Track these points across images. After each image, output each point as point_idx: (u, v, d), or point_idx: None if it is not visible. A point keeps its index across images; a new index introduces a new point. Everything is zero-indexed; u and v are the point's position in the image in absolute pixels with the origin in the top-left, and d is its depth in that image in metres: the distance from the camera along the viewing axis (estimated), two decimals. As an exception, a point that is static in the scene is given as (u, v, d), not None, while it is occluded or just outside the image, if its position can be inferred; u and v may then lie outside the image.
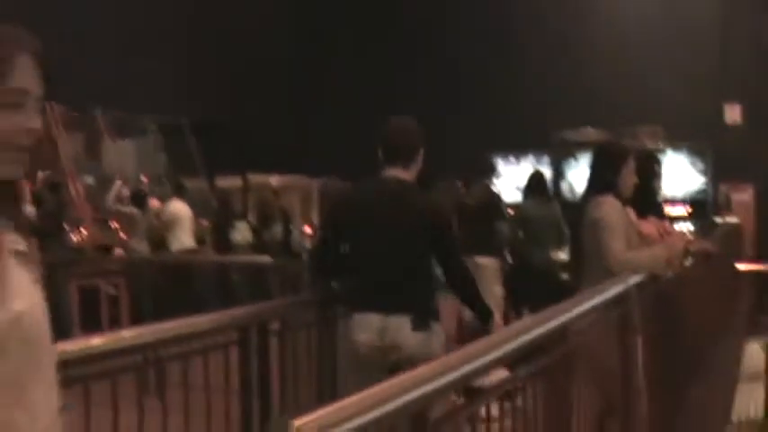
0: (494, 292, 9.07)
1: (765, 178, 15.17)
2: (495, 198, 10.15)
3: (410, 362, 4.24)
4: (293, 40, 20.37)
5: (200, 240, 14.49)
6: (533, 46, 18.21)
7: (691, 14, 17.59)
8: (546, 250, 10.13)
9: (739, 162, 14.76)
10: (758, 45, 16.95)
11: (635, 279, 4.94)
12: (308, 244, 16.97)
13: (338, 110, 19.36)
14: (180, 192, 14.24)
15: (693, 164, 11.52)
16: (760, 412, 8.37)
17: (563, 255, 10.43)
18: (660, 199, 7.22)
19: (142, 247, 13.76)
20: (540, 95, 17.23)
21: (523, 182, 11.10)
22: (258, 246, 13.53)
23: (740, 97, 17.28)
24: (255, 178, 17.74)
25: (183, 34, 19.01)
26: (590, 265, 5.67)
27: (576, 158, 11.98)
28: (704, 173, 11.45)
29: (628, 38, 17.80)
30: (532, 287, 9.77)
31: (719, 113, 17.27)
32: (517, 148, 13.41)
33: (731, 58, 17.07)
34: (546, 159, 12.09)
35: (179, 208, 13.97)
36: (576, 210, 5.96)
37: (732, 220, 12.59)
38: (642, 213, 6.21)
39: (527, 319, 5.35)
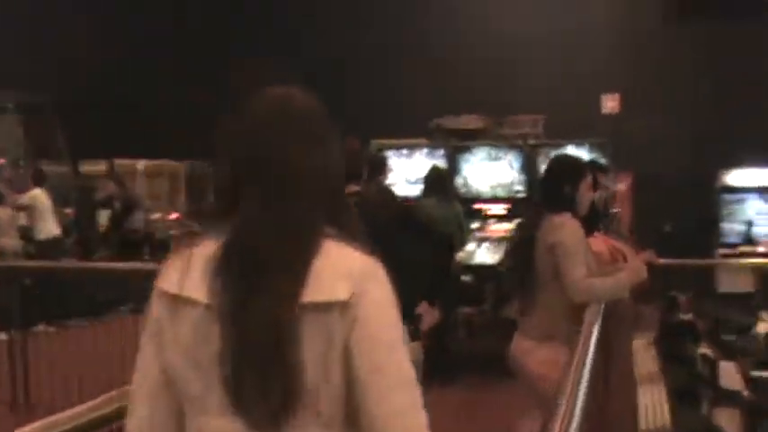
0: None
1: (643, 167, 14.85)
2: (392, 197, 9.48)
3: None
4: (169, 20, 19.19)
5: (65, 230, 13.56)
6: (413, 35, 17.65)
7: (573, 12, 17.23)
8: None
9: (618, 152, 14.09)
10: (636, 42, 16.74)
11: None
12: (174, 231, 16.22)
13: (207, 93, 18.34)
14: (38, 178, 13.19)
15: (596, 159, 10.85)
16: (667, 418, 7.83)
17: (464, 255, 9.89)
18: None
19: (13, 243, 12.71)
20: (420, 85, 16.92)
21: (416, 177, 10.63)
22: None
23: (618, 88, 17.00)
24: (122, 163, 16.64)
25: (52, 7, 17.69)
26: (543, 287, 5.22)
27: (471, 152, 11.26)
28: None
29: (508, 32, 17.38)
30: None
31: (598, 104, 16.93)
32: (395, 137, 12.64)
33: (609, 50, 16.85)
34: (440, 153, 11.27)
35: (36, 196, 13.04)
36: (525, 226, 5.47)
37: (614, 210, 12.18)
38: (589, 229, 5.61)
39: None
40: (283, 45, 18.44)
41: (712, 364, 7.79)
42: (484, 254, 10.56)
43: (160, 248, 14.75)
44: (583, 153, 11.07)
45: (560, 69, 16.82)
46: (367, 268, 2.14)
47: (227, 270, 2.09)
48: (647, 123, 15.38)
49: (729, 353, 8.05)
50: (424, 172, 10.74)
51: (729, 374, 7.43)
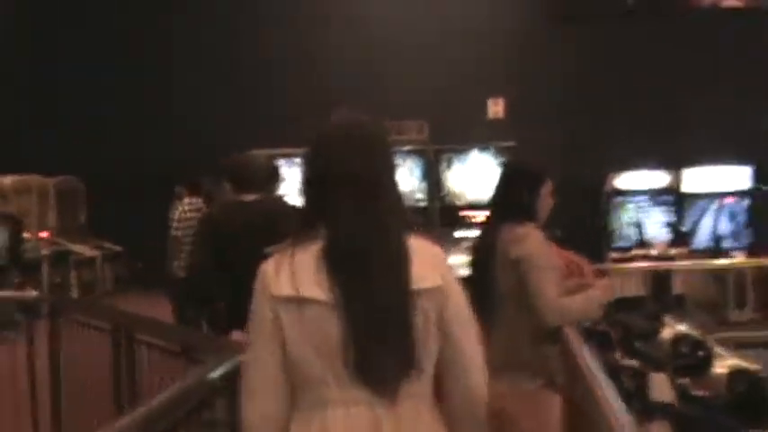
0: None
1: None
2: (289, 210, 8.78)
3: None
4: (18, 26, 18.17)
5: None
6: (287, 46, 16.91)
7: (453, 13, 16.72)
8: None
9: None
10: (520, 41, 16.38)
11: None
12: (45, 251, 15.13)
13: (75, 103, 17.30)
14: None
15: (501, 163, 10.29)
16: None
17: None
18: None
19: None
20: (295, 90, 16.17)
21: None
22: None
23: (503, 92, 16.49)
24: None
25: None
26: (504, 307, 4.59)
27: None
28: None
29: (386, 35, 16.78)
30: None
31: (484, 108, 16.48)
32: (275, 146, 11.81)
33: (494, 54, 16.35)
34: None
35: None
36: (482, 238, 4.86)
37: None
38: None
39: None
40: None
41: (639, 377, 7.29)
42: None
43: (30, 271, 13.66)
44: (487, 158, 10.52)
45: (443, 72, 16.15)
46: (442, 256, 2.73)
47: (339, 269, 2.53)
48: (531, 128, 14.85)
49: (650, 362, 7.58)
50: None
51: (660, 386, 6.94)
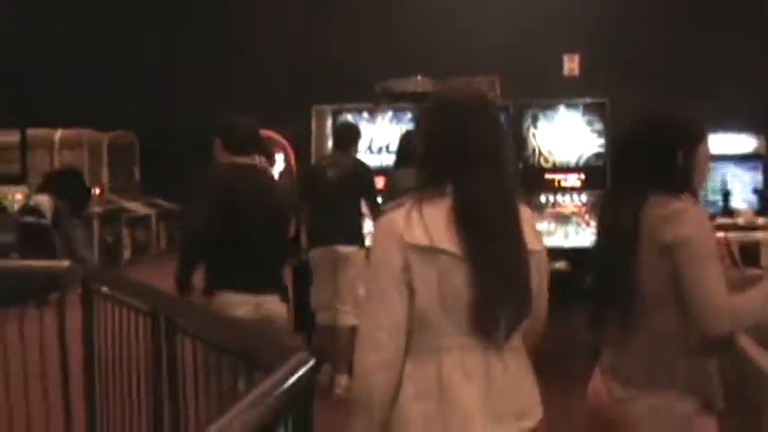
0: (356, 291, 7.38)
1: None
2: (364, 170, 8.10)
3: (280, 331, 5.42)
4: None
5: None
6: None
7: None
8: None
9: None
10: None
11: None
12: (96, 208, 14.23)
13: (130, 58, 16.41)
14: None
15: (590, 122, 9.04)
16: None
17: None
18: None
19: None
20: (364, 45, 15.55)
21: (381, 145, 9.35)
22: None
23: (580, 48, 15.67)
24: (36, 133, 14.46)
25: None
26: (651, 308, 3.32)
27: None
28: (601, 133, 9.01)
29: None
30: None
31: (559, 64, 15.48)
32: (341, 102, 10.86)
33: (570, 7, 15.57)
34: (407, 117, 9.40)
35: None
36: (614, 214, 3.51)
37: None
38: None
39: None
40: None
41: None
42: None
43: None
44: (575, 114, 9.31)
45: (516, 27, 15.51)
46: (535, 224, 2.95)
47: (469, 226, 2.69)
48: (608, 87, 13.64)
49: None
50: (389, 139, 9.45)
51: None
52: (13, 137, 14.48)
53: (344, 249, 7.66)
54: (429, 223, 2.68)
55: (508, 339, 2.75)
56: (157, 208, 16.22)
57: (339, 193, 7.70)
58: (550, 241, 8.66)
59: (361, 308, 2.89)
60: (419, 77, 10.79)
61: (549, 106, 9.43)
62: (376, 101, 10.26)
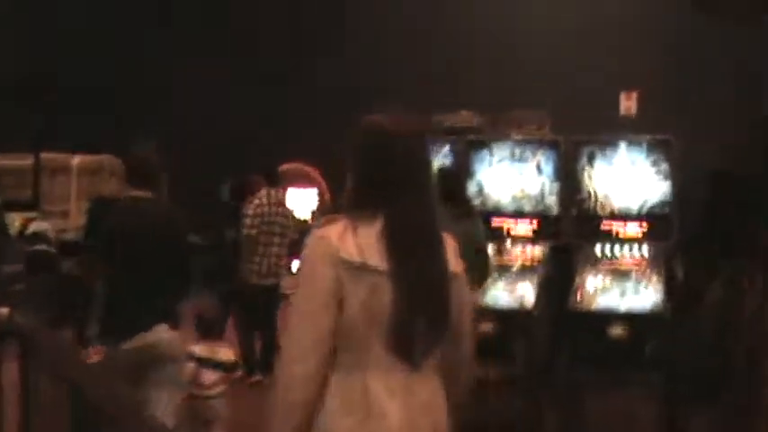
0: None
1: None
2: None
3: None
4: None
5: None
6: (402, 20, 15.35)
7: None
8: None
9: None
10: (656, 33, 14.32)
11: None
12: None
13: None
14: None
15: (655, 163, 7.70)
16: None
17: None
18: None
19: None
20: (408, 77, 14.53)
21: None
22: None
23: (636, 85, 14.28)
24: (50, 157, 13.29)
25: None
26: None
27: (490, 151, 8.28)
28: (667, 175, 7.65)
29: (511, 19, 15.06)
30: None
31: (615, 102, 14.19)
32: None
33: (628, 44, 14.34)
34: (445, 150, 8.18)
35: None
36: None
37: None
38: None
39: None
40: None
41: None
42: (506, 293, 7.47)
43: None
44: (638, 154, 7.97)
45: (567, 64, 14.38)
46: (455, 246, 2.99)
47: (397, 246, 2.75)
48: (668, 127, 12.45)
49: None
50: None
51: None
52: (25, 161, 13.32)
53: None
54: (362, 242, 2.74)
55: (426, 357, 2.80)
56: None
57: None
58: (604, 301, 7.32)
59: (288, 322, 2.87)
60: (464, 112, 9.78)
61: (608, 144, 8.13)
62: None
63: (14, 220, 11.09)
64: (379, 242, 2.73)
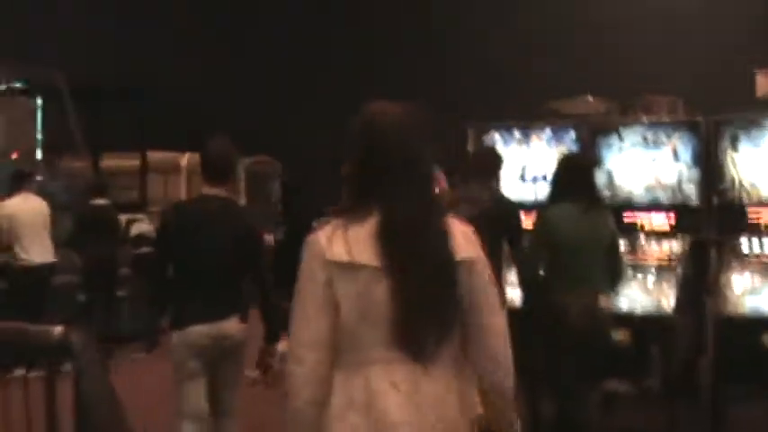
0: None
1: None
2: (507, 207, 6.15)
3: (238, 347, 5.24)
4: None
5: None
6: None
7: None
8: (593, 295, 5.58)
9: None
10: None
11: None
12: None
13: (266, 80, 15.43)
14: (19, 178, 9.33)
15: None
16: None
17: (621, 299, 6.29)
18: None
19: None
20: (531, 61, 14.20)
21: (536, 173, 7.32)
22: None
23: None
24: (159, 156, 12.77)
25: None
26: None
27: (619, 136, 7.52)
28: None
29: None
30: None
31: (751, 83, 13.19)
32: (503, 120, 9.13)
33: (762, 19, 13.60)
34: (570, 137, 7.27)
35: (15, 205, 9.33)
36: None
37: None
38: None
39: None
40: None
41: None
42: (641, 296, 6.66)
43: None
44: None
45: (699, 44, 13.76)
46: (471, 234, 2.85)
47: (393, 241, 2.66)
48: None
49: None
50: (547, 165, 7.28)
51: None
52: (132, 161, 12.81)
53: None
54: (351, 240, 2.68)
55: (434, 353, 2.70)
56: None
57: None
58: (754, 303, 6.34)
59: (290, 323, 2.78)
60: (590, 98, 8.94)
61: (755, 124, 7.08)
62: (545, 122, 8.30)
63: (121, 222, 10.61)
64: (373, 237, 2.69)
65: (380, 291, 2.63)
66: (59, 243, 10.07)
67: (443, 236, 2.73)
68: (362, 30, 15.80)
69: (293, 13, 16.18)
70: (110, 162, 12.79)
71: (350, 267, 2.65)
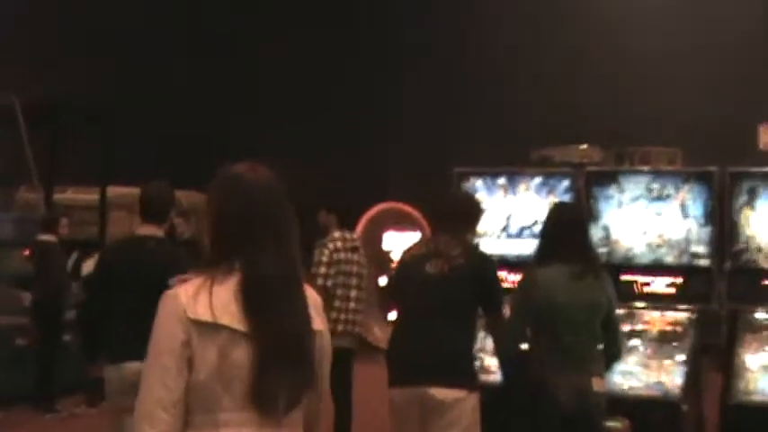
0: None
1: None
2: (483, 263, 5.04)
3: None
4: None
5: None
6: (518, 49, 14.34)
7: (719, 26, 13.63)
8: (586, 377, 4.64)
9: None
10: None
11: None
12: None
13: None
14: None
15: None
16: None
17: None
18: None
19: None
20: (522, 108, 13.58)
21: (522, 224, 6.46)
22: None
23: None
24: (118, 192, 11.76)
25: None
26: None
27: (619, 187, 6.66)
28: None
29: (634, 47, 13.95)
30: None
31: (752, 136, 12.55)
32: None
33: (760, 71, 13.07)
34: (563, 186, 6.37)
35: None
36: None
37: None
38: None
39: None
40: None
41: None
42: (641, 375, 5.63)
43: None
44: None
45: (700, 97, 13.09)
46: (321, 303, 2.82)
47: (255, 301, 2.58)
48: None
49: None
50: (535, 217, 6.52)
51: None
52: (91, 195, 11.86)
53: (443, 393, 4.54)
54: (214, 299, 2.60)
55: (287, 414, 2.66)
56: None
57: (442, 300, 4.73)
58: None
59: (141, 382, 2.64)
60: (585, 146, 8.27)
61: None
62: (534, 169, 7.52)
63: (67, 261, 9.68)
64: (236, 298, 2.62)
65: (239, 352, 2.59)
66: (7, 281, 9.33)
67: (303, 301, 2.71)
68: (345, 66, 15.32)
69: (268, 36, 15.56)
70: (68, 195, 11.85)
71: (212, 327, 2.59)
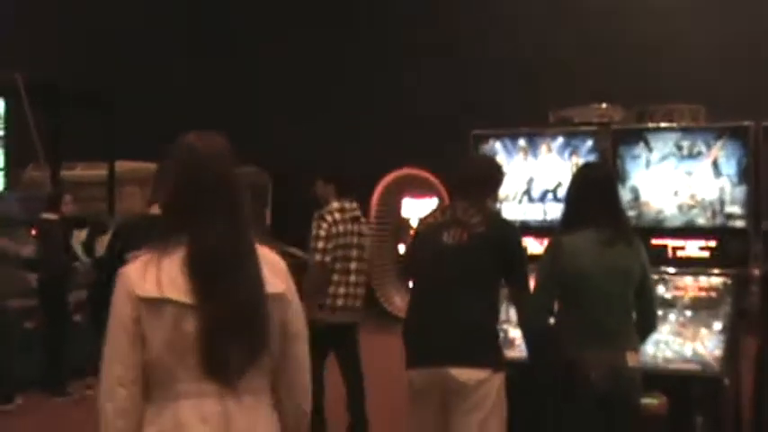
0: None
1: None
2: (506, 231, 4.69)
3: None
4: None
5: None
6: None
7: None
8: (620, 352, 4.27)
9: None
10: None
11: None
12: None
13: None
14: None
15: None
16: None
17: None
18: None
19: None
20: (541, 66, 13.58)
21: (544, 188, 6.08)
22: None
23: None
24: (128, 167, 11.46)
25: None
26: None
27: (648, 145, 6.22)
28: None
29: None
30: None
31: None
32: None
33: None
34: (587, 146, 6.24)
35: None
36: None
37: None
38: None
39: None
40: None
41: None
42: (676, 346, 5.27)
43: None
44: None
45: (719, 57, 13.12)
46: (284, 266, 2.78)
47: (201, 272, 2.59)
48: None
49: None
50: (559, 179, 6.20)
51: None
52: (99, 171, 11.54)
53: (466, 374, 4.19)
54: (162, 274, 2.62)
55: (241, 380, 2.66)
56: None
57: (460, 271, 4.37)
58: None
59: (102, 360, 2.69)
60: (605, 105, 7.75)
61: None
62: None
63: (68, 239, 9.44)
64: (182, 271, 2.63)
65: (189, 324, 2.60)
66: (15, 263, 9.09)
67: (254, 268, 2.68)
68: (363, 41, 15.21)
69: (276, 19, 15.50)
70: (77, 171, 11.53)
71: (160, 302, 2.61)
